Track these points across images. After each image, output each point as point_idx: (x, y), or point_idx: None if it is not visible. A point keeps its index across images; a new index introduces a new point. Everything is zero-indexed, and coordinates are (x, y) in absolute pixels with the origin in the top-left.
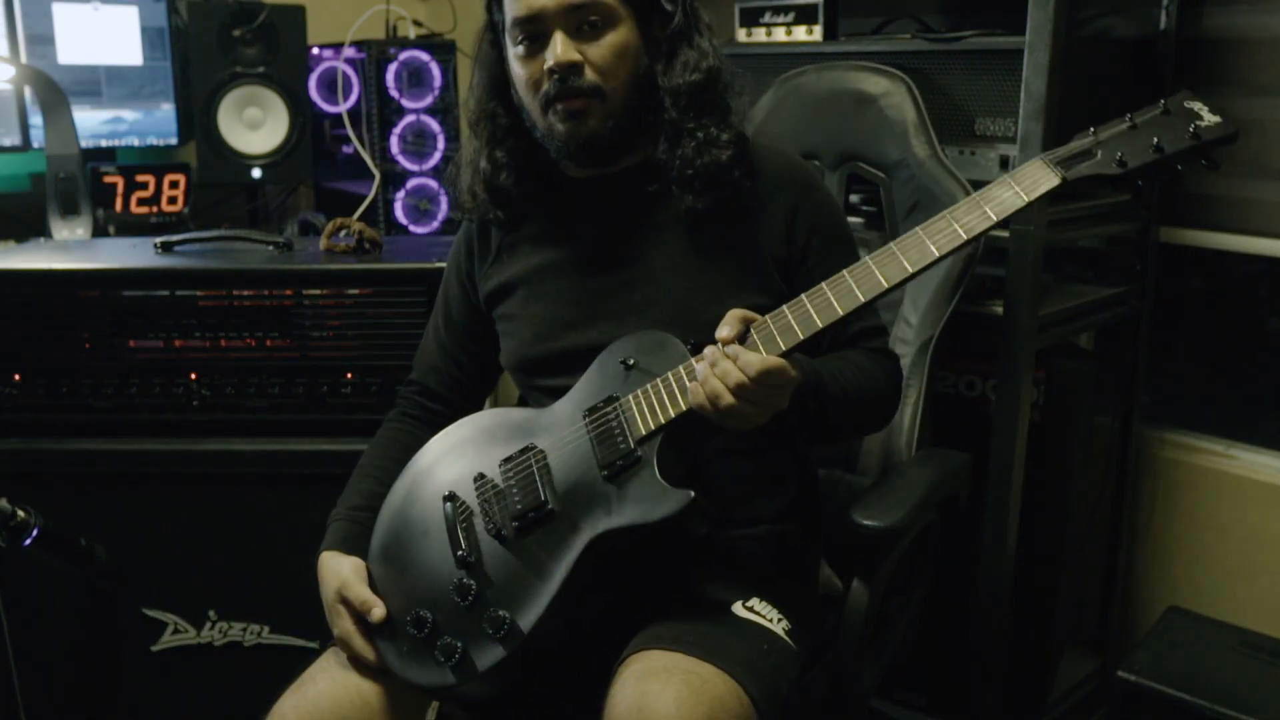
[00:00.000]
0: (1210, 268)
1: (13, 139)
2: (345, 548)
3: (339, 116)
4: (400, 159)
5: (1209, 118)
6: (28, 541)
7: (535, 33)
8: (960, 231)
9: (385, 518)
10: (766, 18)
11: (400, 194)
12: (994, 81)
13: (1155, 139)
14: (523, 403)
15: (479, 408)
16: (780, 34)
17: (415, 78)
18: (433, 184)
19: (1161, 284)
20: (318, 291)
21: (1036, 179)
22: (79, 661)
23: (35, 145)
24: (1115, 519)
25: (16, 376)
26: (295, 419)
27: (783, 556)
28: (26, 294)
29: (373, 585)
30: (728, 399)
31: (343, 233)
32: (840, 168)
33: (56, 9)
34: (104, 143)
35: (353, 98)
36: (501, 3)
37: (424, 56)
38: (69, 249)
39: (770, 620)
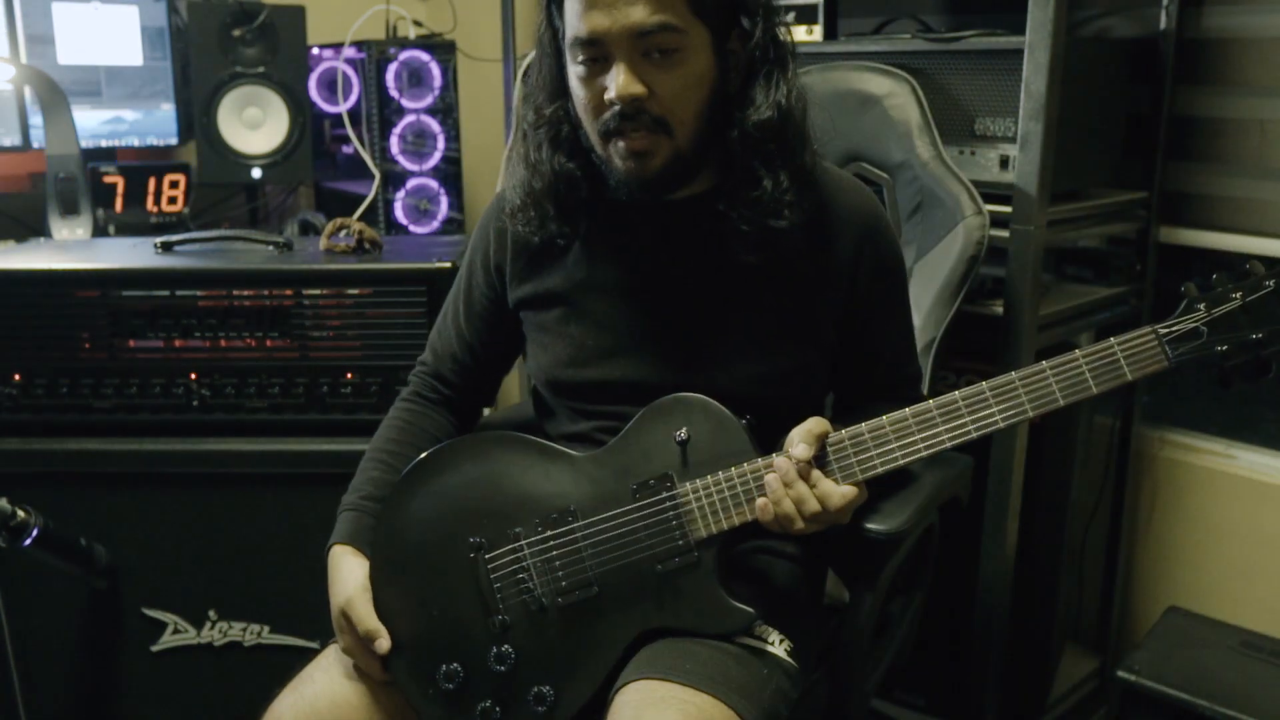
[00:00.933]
0: (1210, 268)
1: (13, 139)
2: (356, 541)
3: (339, 116)
4: (400, 159)
5: None
6: (28, 541)
7: (596, 55)
8: (1059, 397)
9: (396, 528)
10: None
11: (400, 194)
12: (994, 81)
13: (1258, 332)
14: (538, 404)
15: (493, 394)
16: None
17: (415, 78)
18: (433, 184)
19: (1161, 284)
20: (318, 291)
21: (1147, 358)
22: (79, 661)
23: (35, 145)
24: (1115, 519)
25: (16, 376)
26: (295, 419)
27: (787, 571)
28: (26, 294)
29: (379, 604)
30: (799, 525)
31: (343, 233)
32: (843, 168)
33: (56, 9)
34: (104, 143)
35: (353, 98)
36: (561, 6)
37: (424, 56)
38: (69, 249)
39: (772, 643)
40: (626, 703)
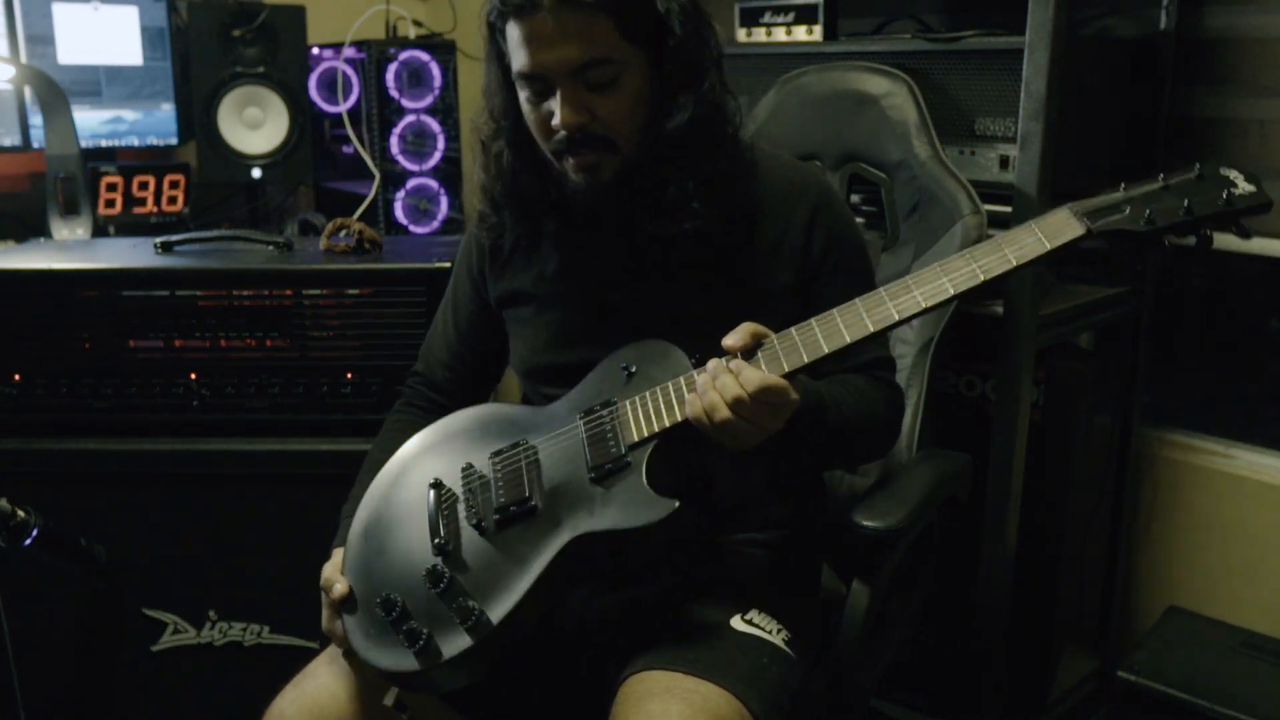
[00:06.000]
0: (1210, 268)
1: (13, 139)
2: None
3: (339, 116)
4: (400, 159)
5: (1243, 185)
6: (28, 541)
7: (539, 87)
8: (979, 273)
9: (369, 499)
10: (766, 18)
11: (400, 194)
12: (994, 81)
13: (1186, 201)
14: (526, 402)
15: (485, 400)
16: (780, 34)
17: (415, 78)
18: (433, 184)
19: (1161, 284)
20: (318, 291)
21: (1061, 227)
22: (79, 661)
23: (35, 145)
24: (1115, 519)
25: (16, 376)
26: (295, 419)
27: (785, 564)
28: (26, 294)
29: (347, 566)
30: (724, 413)
31: (343, 233)
32: (842, 168)
33: (56, 9)
34: (104, 143)
35: (353, 98)
36: (505, 33)
37: (424, 56)
38: (69, 249)
39: (770, 632)
40: (631, 693)
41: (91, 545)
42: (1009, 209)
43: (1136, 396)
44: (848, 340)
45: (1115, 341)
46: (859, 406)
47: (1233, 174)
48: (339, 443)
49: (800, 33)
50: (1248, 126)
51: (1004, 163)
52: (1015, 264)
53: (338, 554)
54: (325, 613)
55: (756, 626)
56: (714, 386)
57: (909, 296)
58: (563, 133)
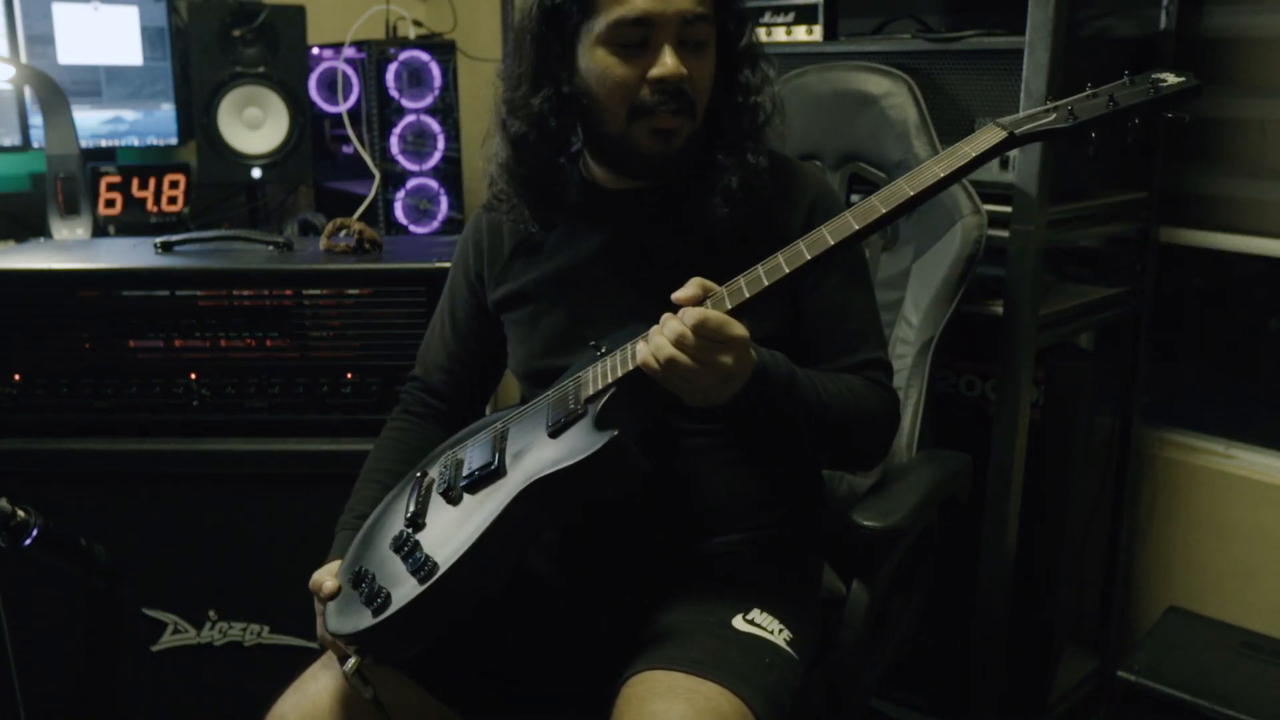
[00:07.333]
0: (1210, 268)
1: (13, 139)
2: None
3: (339, 116)
4: (400, 159)
5: (1173, 79)
6: (28, 541)
7: (639, 38)
8: (907, 189)
9: (378, 510)
10: (766, 18)
11: (400, 194)
12: (994, 81)
13: (1111, 96)
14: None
15: (482, 405)
16: (780, 34)
17: (415, 78)
18: (433, 184)
19: (1161, 284)
20: (318, 291)
21: (987, 138)
22: (79, 661)
23: (35, 145)
24: (1115, 519)
25: (16, 376)
26: (295, 419)
27: (784, 564)
28: (26, 294)
29: (341, 568)
30: (668, 350)
31: (343, 233)
32: (842, 168)
33: (56, 9)
34: (104, 143)
35: (353, 98)
36: None
37: (424, 56)
38: (69, 249)
39: (771, 632)
40: (633, 693)
41: (91, 545)
42: (1009, 209)
43: (1136, 396)
44: (786, 271)
45: (1115, 341)
46: (845, 395)
47: (1167, 75)
48: (339, 443)
49: (800, 33)
50: (1248, 126)
51: (1004, 163)
52: (942, 175)
53: (334, 565)
54: (319, 620)
55: (758, 626)
56: (661, 332)
57: (844, 221)
58: (657, 87)
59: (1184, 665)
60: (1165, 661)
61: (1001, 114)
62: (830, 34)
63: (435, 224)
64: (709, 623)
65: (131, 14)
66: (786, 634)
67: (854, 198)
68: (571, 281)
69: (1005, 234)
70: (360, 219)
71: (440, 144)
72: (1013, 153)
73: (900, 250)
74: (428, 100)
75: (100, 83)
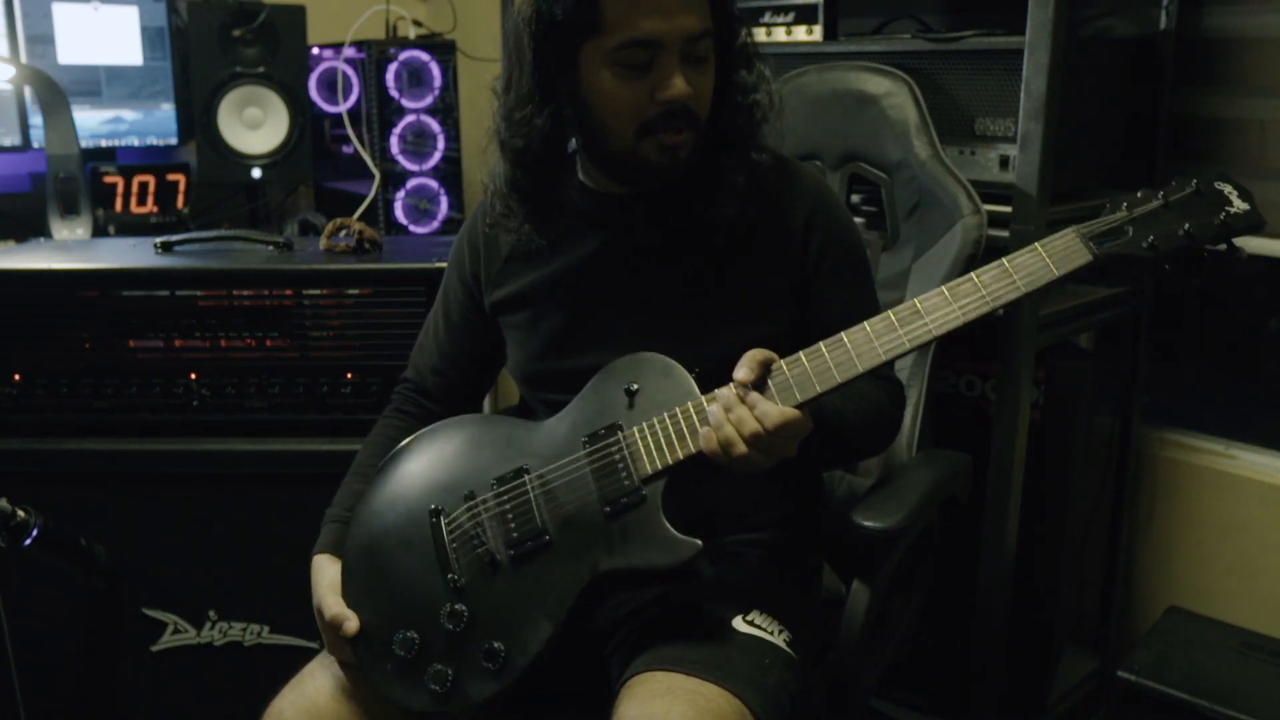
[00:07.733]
0: (1209, 267)
1: (13, 139)
2: (336, 550)
3: (339, 116)
4: (400, 159)
5: (1239, 204)
6: (28, 541)
7: (645, 59)
8: (988, 300)
9: (364, 518)
10: (766, 18)
11: (400, 194)
12: (994, 81)
13: (1186, 224)
14: (522, 407)
15: (476, 407)
16: (780, 34)
17: (415, 78)
18: (433, 184)
19: (1161, 284)
20: (318, 291)
21: (1069, 254)
22: (79, 661)
23: (35, 145)
24: (1115, 519)
25: (16, 376)
26: (295, 419)
27: (784, 564)
28: (26, 294)
29: (348, 591)
30: (741, 449)
31: (343, 233)
32: (842, 168)
33: (56, 9)
34: (104, 143)
35: (353, 98)
36: (601, 5)
37: (424, 56)
38: (69, 249)
39: (771, 633)
40: (634, 695)
41: (91, 545)
42: (1009, 209)
43: (1136, 396)
44: (860, 370)
45: (1115, 341)
46: (859, 408)
47: (1227, 189)
48: (339, 443)
49: (800, 33)
50: (1248, 126)
51: (1004, 163)
52: (1025, 291)
53: (330, 570)
54: (327, 638)
55: (758, 627)
56: (729, 420)
57: (920, 324)
58: (666, 106)
59: (1184, 665)
60: (1165, 661)
61: (1001, 115)
62: (830, 34)
63: (435, 224)
64: (709, 624)
65: (131, 14)
66: (786, 635)
67: (854, 198)
68: (570, 284)
69: (1005, 234)
70: (360, 219)
71: (440, 144)
72: (1013, 153)
73: (900, 250)
74: (428, 100)
75: (100, 83)
